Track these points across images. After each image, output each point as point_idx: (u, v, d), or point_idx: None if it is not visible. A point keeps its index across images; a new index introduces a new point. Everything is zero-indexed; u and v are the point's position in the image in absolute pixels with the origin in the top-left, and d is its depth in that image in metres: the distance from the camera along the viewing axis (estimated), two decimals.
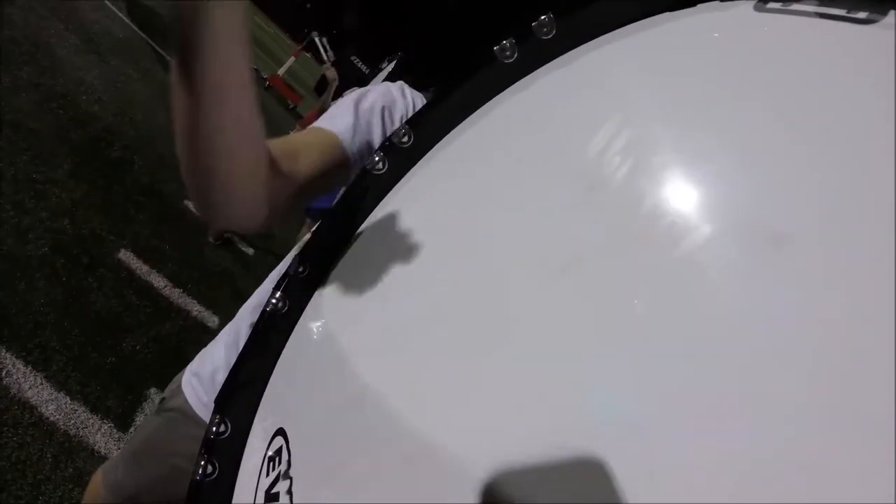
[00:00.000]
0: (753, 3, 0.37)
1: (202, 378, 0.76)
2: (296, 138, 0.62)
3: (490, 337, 0.37)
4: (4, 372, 1.51)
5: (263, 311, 0.52)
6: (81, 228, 2.18)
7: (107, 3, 4.99)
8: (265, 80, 8.22)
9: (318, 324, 0.51)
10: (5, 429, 1.40)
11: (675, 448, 0.26)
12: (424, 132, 0.52)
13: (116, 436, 1.61)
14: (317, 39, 7.22)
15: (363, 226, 0.54)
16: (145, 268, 2.32)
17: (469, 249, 0.43)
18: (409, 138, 0.52)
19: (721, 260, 0.29)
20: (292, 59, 9.17)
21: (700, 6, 0.40)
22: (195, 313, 2.35)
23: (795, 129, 0.31)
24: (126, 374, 1.80)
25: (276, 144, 0.54)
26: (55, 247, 1.99)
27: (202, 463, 0.47)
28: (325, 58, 6.78)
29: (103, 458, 1.50)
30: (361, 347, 0.46)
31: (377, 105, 0.67)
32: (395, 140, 0.52)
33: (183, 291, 2.40)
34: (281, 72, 8.69)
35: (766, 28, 0.36)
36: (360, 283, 0.51)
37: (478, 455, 0.33)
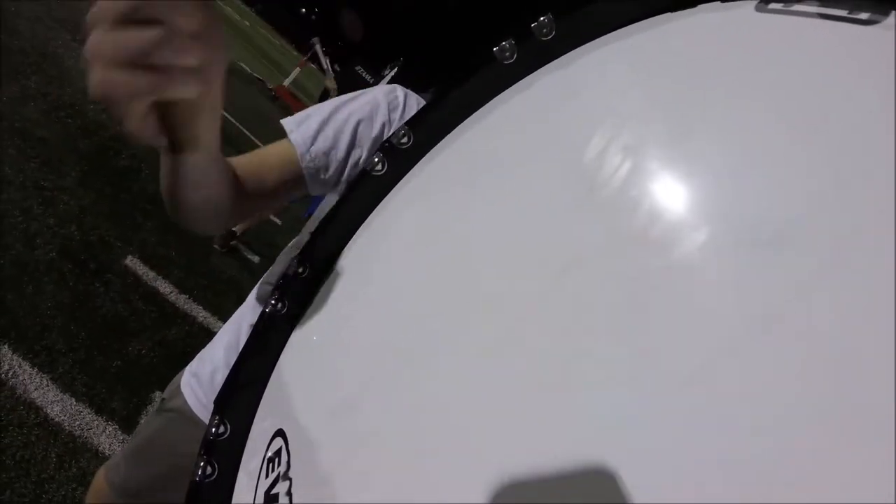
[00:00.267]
0: (755, 3, 0.37)
1: (201, 379, 0.76)
2: (261, 156, 0.67)
3: (490, 336, 0.37)
4: (11, 373, 1.52)
5: (263, 312, 0.52)
6: (89, 235, 2.21)
7: None
8: (271, 90, 8.33)
9: (318, 325, 0.51)
10: (11, 428, 1.41)
11: (675, 448, 0.26)
12: (424, 133, 0.52)
13: (121, 437, 1.62)
14: (317, 47, 7.30)
15: (363, 226, 0.54)
16: (152, 274, 2.34)
17: (469, 249, 0.43)
18: (409, 139, 0.52)
19: (721, 260, 0.29)
20: (298, 69, 9.31)
21: (701, 7, 0.40)
22: (200, 319, 2.36)
23: (796, 130, 0.31)
24: (131, 377, 1.82)
25: (244, 165, 0.62)
26: (63, 252, 2.01)
27: (201, 464, 0.46)
28: (323, 65, 6.86)
29: (107, 459, 1.51)
30: (361, 348, 0.46)
31: (353, 118, 0.68)
32: (395, 140, 0.52)
33: (189, 297, 2.42)
34: (287, 82, 8.82)
35: (767, 29, 0.36)
36: (360, 283, 0.51)
37: (478, 455, 0.33)
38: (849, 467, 0.21)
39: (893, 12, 0.30)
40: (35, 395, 1.53)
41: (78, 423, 1.56)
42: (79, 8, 4.39)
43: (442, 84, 0.49)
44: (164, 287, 2.35)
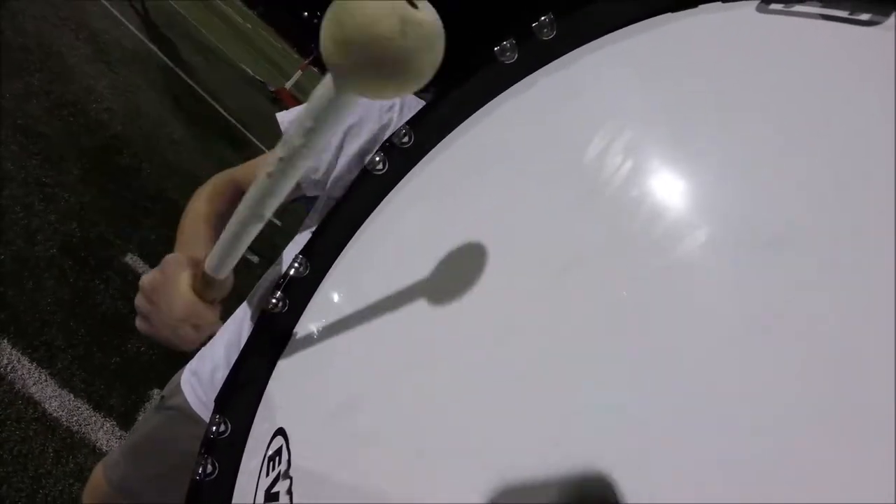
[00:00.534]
0: (756, 4, 0.37)
1: (201, 377, 0.76)
2: (259, 165, 0.68)
3: (490, 336, 0.37)
4: (10, 368, 1.52)
5: (263, 311, 0.52)
6: (89, 232, 2.21)
7: (116, 14, 5.08)
8: (273, 92, 8.36)
9: (319, 324, 0.51)
10: (9, 423, 1.41)
11: (675, 448, 0.26)
12: (424, 132, 0.52)
13: (118, 434, 1.63)
14: None
15: (363, 226, 0.54)
16: None
17: (469, 249, 0.43)
18: (409, 138, 0.52)
19: (721, 260, 0.29)
20: (299, 72, 9.34)
21: (702, 7, 0.40)
22: None
23: (797, 130, 0.31)
24: (130, 374, 1.82)
25: (249, 177, 0.65)
26: (63, 248, 2.01)
27: (202, 462, 0.46)
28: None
29: (104, 456, 1.52)
30: (361, 348, 0.46)
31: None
32: (395, 140, 0.52)
33: None
34: (288, 85, 8.85)
35: (768, 29, 0.36)
36: (361, 283, 0.51)
37: (478, 455, 0.33)
38: (849, 467, 0.21)
39: (894, 13, 0.30)
40: (33, 390, 1.53)
41: (76, 418, 1.56)
42: (83, 7, 4.40)
43: (442, 84, 0.49)
44: None
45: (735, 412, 0.25)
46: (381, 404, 0.41)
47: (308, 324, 0.52)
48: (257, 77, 9.29)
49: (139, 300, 0.53)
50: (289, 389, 0.50)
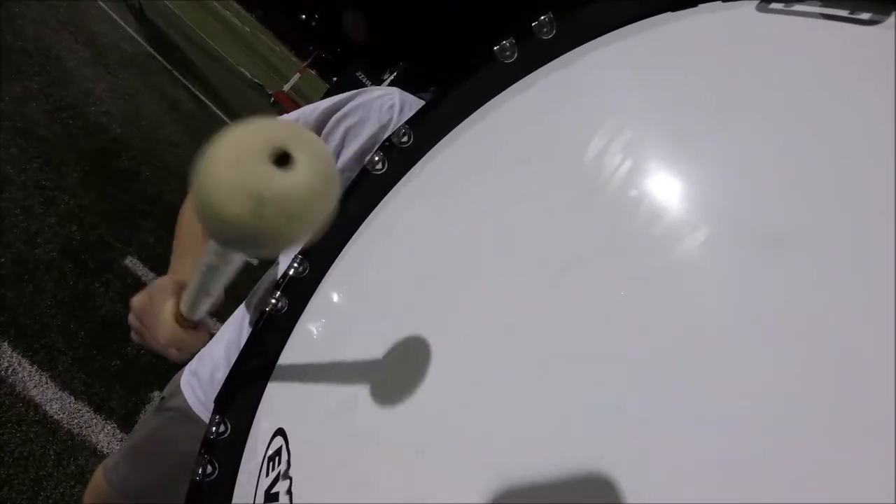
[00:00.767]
0: (756, 3, 0.37)
1: (201, 377, 0.76)
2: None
3: (490, 336, 0.37)
4: (10, 370, 1.52)
5: (263, 311, 0.52)
6: (89, 234, 2.21)
7: (115, 17, 5.09)
8: (271, 95, 8.39)
9: (318, 324, 0.51)
10: (9, 425, 1.41)
11: (675, 448, 0.26)
12: (424, 132, 0.52)
13: (119, 436, 1.63)
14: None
15: (363, 226, 0.54)
16: (151, 275, 2.34)
17: (469, 249, 0.43)
18: (409, 138, 0.52)
19: (721, 260, 0.29)
20: (297, 75, 9.38)
21: (701, 6, 0.40)
22: None
23: (797, 130, 0.31)
24: (130, 376, 1.82)
25: None
26: (63, 251, 2.02)
27: (202, 463, 0.46)
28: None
29: (105, 458, 1.52)
30: (361, 347, 0.46)
31: (343, 124, 0.69)
32: (395, 140, 0.52)
33: None
34: (286, 87, 8.87)
35: (768, 28, 0.36)
36: (361, 282, 0.51)
37: (478, 454, 0.32)
38: (849, 467, 0.21)
39: (894, 13, 0.30)
40: (34, 392, 1.53)
41: (76, 421, 1.56)
42: (82, 11, 4.41)
43: (442, 84, 0.49)
44: None
45: (735, 412, 0.25)
46: (381, 404, 0.40)
47: (307, 324, 0.52)
48: (256, 80, 9.31)
49: (131, 319, 0.56)
50: (288, 389, 0.50)
